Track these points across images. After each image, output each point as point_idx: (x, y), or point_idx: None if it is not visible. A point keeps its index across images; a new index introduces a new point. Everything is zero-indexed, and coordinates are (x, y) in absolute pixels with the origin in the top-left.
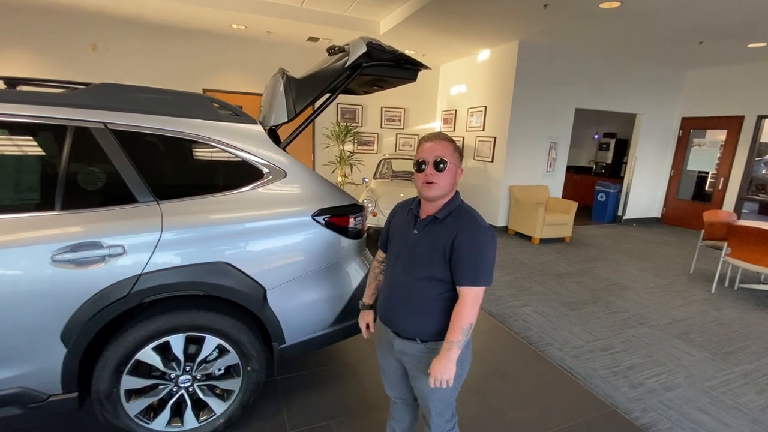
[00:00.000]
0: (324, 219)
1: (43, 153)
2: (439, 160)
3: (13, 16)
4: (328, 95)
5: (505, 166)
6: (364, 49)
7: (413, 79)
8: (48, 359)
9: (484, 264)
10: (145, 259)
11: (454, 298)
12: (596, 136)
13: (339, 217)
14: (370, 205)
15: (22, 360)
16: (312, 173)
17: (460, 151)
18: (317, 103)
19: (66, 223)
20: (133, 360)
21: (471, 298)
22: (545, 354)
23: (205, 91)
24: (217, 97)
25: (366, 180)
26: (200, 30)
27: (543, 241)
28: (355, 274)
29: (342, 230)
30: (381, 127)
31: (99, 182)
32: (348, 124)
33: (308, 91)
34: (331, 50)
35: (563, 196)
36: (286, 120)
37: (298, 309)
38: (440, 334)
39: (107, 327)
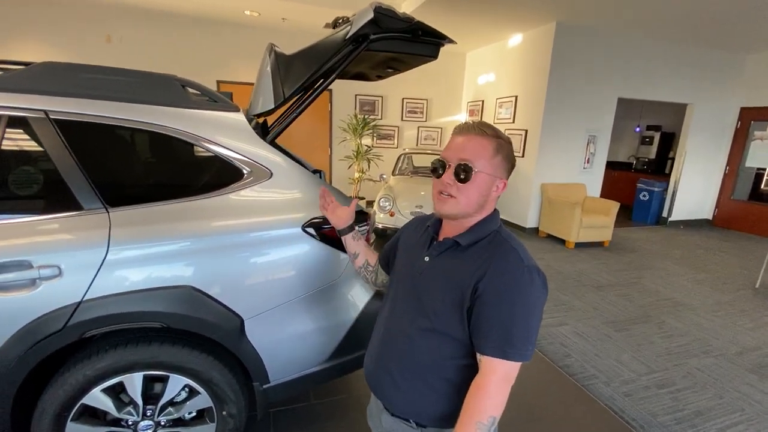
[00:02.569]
0: (318, 230)
1: None
2: (463, 165)
3: (27, 7)
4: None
5: (537, 162)
6: (370, 16)
7: (434, 56)
8: None
9: (522, 327)
10: (86, 283)
11: (473, 368)
12: (638, 129)
13: None
14: (387, 203)
15: None
16: (303, 172)
17: (506, 154)
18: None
19: None
20: (78, 404)
21: (497, 378)
22: (589, 390)
23: (219, 82)
24: (232, 89)
25: (384, 176)
26: (213, 19)
27: (579, 245)
28: (357, 297)
29: (340, 244)
30: (402, 120)
31: (34, 185)
32: (366, 116)
33: (300, 70)
34: (337, 23)
35: (601, 195)
36: (272, 106)
37: (285, 342)
38: (446, 420)
39: (46, 365)
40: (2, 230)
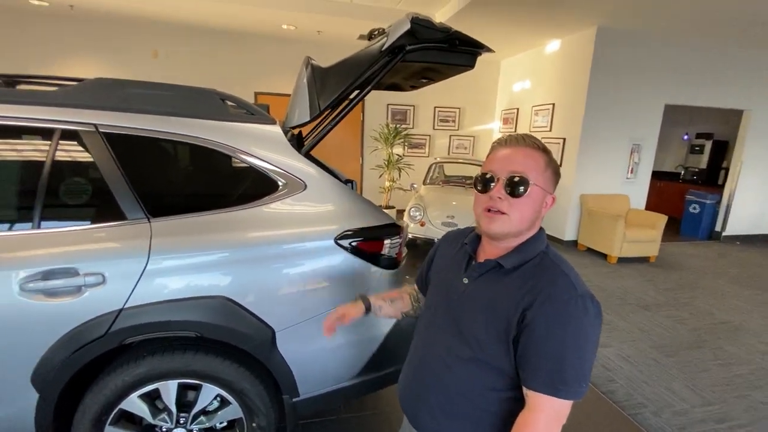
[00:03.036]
0: (350, 243)
1: (24, 160)
2: (517, 178)
3: (83, 26)
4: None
5: (576, 172)
6: (407, 27)
7: (471, 65)
8: (17, 404)
9: (575, 361)
10: (127, 292)
11: (519, 401)
12: (686, 137)
13: (370, 240)
14: (417, 213)
15: None
16: (337, 184)
17: (555, 167)
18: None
19: (40, 245)
20: (117, 410)
21: (546, 416)
22: (637, 420)
23: (257, 94)
24: (269, 100)
25: (414, 185)
26: (252, 34)
27: (622, 260)
28: None
29: (373, 258)
30: (433, 129)
31: (84, 195)
32: (398, 125)
33: (336, 83)
34: (372, 35)
35: (646, 207)
36: (308, 119)
37: (316, 356)
38: None
39: (87, 369)
40: (52, 238)
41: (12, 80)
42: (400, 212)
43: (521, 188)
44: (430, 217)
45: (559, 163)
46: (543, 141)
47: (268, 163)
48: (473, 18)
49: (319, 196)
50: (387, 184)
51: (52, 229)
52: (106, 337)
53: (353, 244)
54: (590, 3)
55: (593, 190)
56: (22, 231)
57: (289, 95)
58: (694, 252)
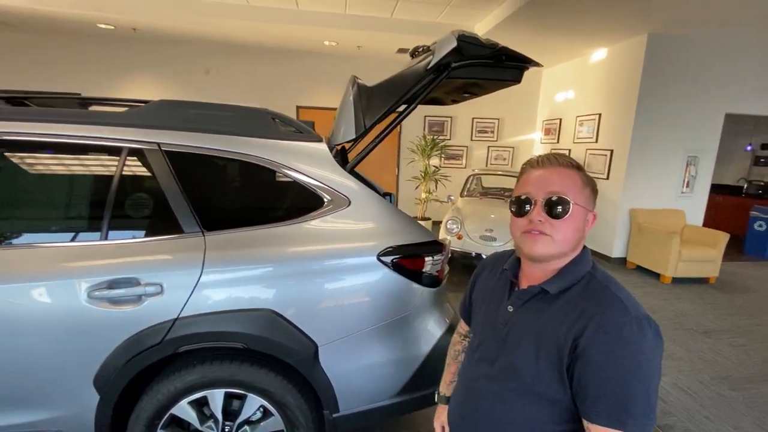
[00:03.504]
0: (392, 260)
1: (94, 177)
2: (555, 198)
3: (145, 47)
4: (405, 105)
5: (625, 185)
6: (453, 45)
7: (517, 80)
8: (80, 405)
9: (640, 392)
10: (182, 302)
11: None
12: (749, 148)
13: (411, 258)
14: (454, 226)
15: (55, 403)
16: (380, 201)
17: (593, 184)
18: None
19: (107, 255)
20: (168, 414)
21: None
22: None
23: (298, 108)
24: (310, 113)
25: (452, 198)
26: (295, 50)
27: (677, 280)
28: (430, 332)
29: (415, 275)
30: (471, 140)
31: (146, 210)
32: (435, 137)
33: (381, 102)
34: (416, 52)
35: (704, 224)
36: (353, 136)
37: (357, 372)
38: None
39: (143, 374)
40: (118, 249)
41: (86, 102)
42: (436, 224)
43: (562, 209)
44: (468, 230)
45: (605, 175)
46: (588, 153)
47: (314, 179)
48: (515, 28)
49: (362, 213)
50: (423, 195)
51: (117, 240)
52: (161, 345)
53: (395, 260)
54: (642, 11)
55: (644, 205)
56: (93, 242)
57: (328, 108)
58: (761, 273)
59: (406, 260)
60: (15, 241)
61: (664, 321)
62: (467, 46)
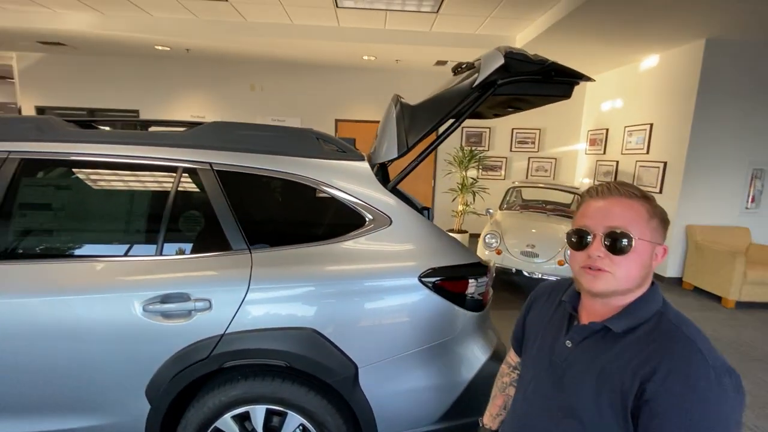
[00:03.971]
0: (434, 282)
1: (152, 195)
2: (619, 232)
3: (196, 65)
4: (449, 122)
5: (680, 200)
6: (500, 62)
7: (567, 96)
8: (133, 413)
9: None
10: (229, 317)
11: None
12: None
13: (454, 280)
14: (493, 240)
15: (110, 410)
16: (422, 220)
17: (662, 214)
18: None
19: (161, 270)
20: (212, 427)
21: None
22: None
23: (337, 121)
24: (348, 126)
25: (490, 211)
26: (334, 65)
27: (742, 305)
28: (473, 358)
29: (458, 298)
30: (510, 151)
31: (197, 227)
32: (473, 148)
33: (425, 120)
34: (458, 69)
35: None
36: (396, 155)
37: (396, 396)
38: None
39: (190, 387)
40: (171, 265)
41: (146, 124)
42: (474, 236)
43: (623, 244)
44: (508, 245)
45: (658, 189)
46: (638, 165)
47: (355, 197)
48: (558, 38)
49: (404, 232)
50: (460, 207)
51: (171, 256)
52: (208, 360)
53: (437, 282)
54: (699, 14)
55: (702, 221)
56: (149, 257)
57: (366, 121)
58: None
59: (448, 282)
60: (78, 254)
61: (727, 350)
62: (515, 62)
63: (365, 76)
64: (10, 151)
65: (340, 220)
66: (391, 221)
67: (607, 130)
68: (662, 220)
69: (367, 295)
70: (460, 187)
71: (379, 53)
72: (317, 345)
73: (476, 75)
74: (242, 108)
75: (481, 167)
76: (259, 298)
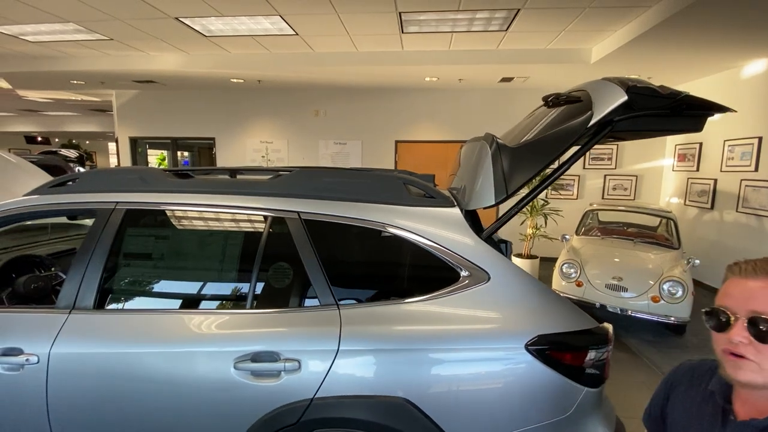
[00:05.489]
0: (544, 351)
1: (243, 246)
2: (762, 318)
3: (266, 95)
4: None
5: None
6: (621, 98)
7: (698, 129)
8: None
9: None
10: (318, 381)
11: None
12: None
13: (568, 350)
14: (572, 270)
15: None
16: (525, 276)
17: None
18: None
19: (251, 325)
20: None
21: None
22: None
23: (397, 142)
24: (408, 147)
25: (567, 237)
26: (395, 87)
27: None
28: None
29: (572, 371)
30: (584, 168)
31: (286, 279)
32: None
33: (529, 163)
34: (554, 101)
35: None
36: (492, 202)
37: None
38: None
39: None
40: (259, 320)
41: (234, 172)
42: (545, 261)
43: None
44: (589, 276)
45: None
46: (743, 184)
47: (448, 248)
48: (643, 48)
49: (504, 290)
50: (529, 231)
51: (260, 310)
52: (297, 426)
53: (547, 352)
54: None
55: None
56: (240, 311)
57: (425, 142)
58: None
59: (561, 352)
60: (174, 308)
61: None
62: (640, 98)
63: (426, 97)
64: (117, 202)
65: (433, 275)
66: (489, 277)
67: (701, 144)
68: None
69: (464, 362)
70: (529, 209)
71: (441, 74)
72: (411, 418)
73: (590, 112)
74: (306, 133)
75: (550, 187)
76: (348, 360)
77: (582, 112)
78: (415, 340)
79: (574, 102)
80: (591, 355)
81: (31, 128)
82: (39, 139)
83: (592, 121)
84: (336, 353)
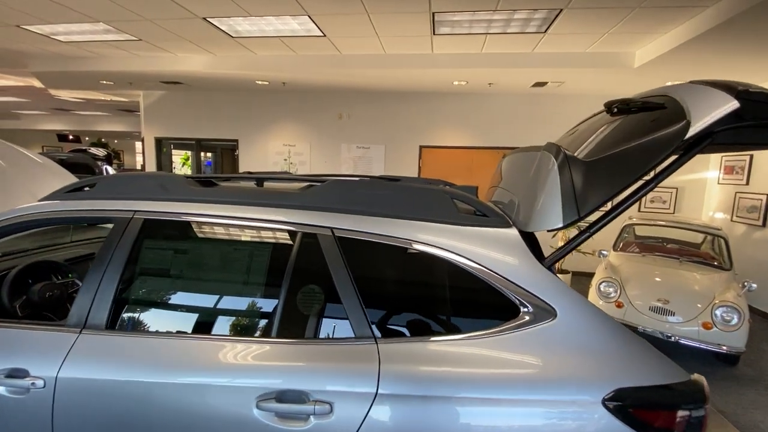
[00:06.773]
0: (625, 408)
1: (269, 265)
2: None
3: (288, 97)
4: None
5: None
6: (732, 106)
7: None
8: None
9: None
10: (354, 428)
11: None
12: None
13: (655, 408)
14: (611, 289)
15: None
16: (599, 313)
17: None
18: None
19: (277, 357)
20: None
21: None
22: None
23: (422, 147)
24: (433, 153)
25: (604, 253)
26: (422, 91)
27: None
28: None
29: None
30: None
31: (317, 304)
32: None
33: (608, 181)
34: (621, 107)
35: None
36: (561, 225)
37: None
38: None
39: None
40: (286, 352)
41: (260, 179)
42: (576, 276)
43: None
44: (631, 297)
45: None
46: None
47: (504, 278)
48: (693, 52)
49: (575, 331)
50: (560, 243)
51: (287, 340)
52: None
53: (629, 409)
54: None
55: None
56: (264, 340)
57: (450, 147)
58: None
59: (645, 411)
60: (191, 332)
61: None
62: (754, 106)
63: (452, 101)
64: (135, 210)
65: (487, 308)
66: (556, 313)
67: (752, 156)
68: None
69: (527, 415)
70: None
71: (471, 77)
72: None
73: (685, 121)
74: (328, 136)
75: None
76: (388, 405)
77: (672, 122)
78: (468, 386)
79: (655, 109)
80: (682, 417)
81: (63, 126)
82: (70, 137)
83: (691, 132)
84: (374, 397)
